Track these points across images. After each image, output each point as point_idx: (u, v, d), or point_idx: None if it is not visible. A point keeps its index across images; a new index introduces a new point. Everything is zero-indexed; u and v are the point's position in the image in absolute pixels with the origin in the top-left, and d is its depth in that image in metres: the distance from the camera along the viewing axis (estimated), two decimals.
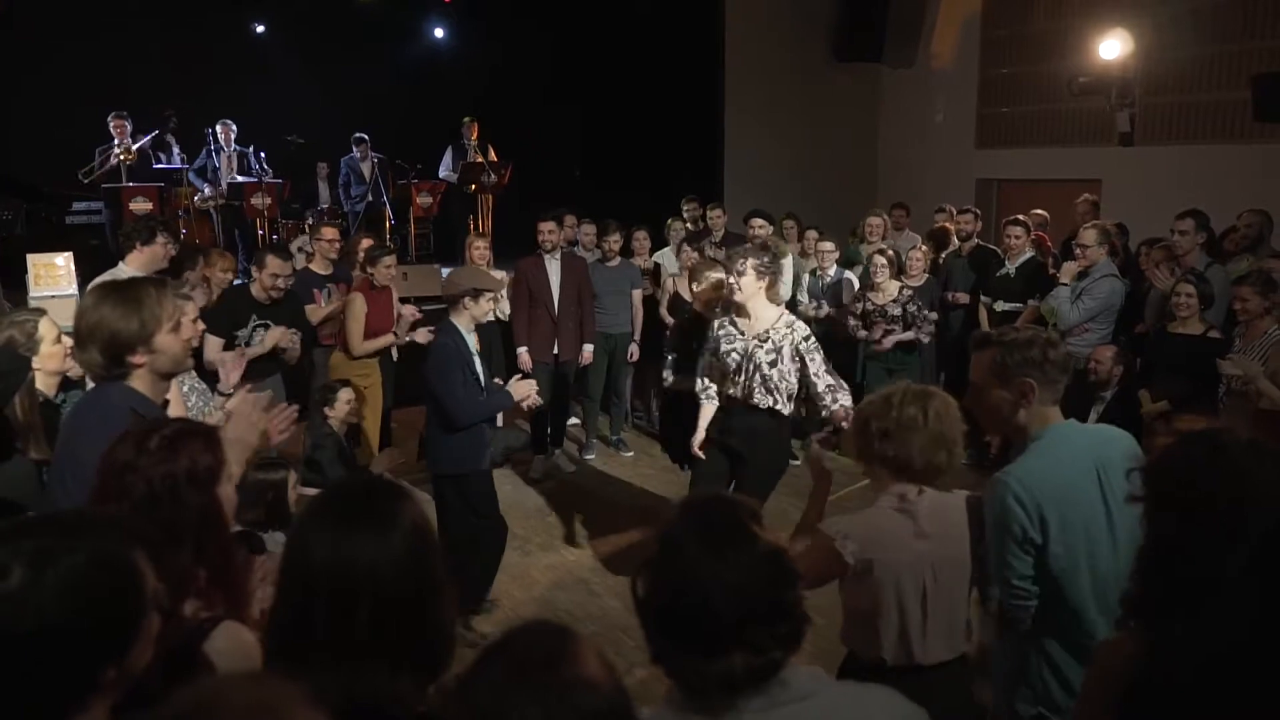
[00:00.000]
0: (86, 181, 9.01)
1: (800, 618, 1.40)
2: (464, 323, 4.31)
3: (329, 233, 6.43)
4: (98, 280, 4.44)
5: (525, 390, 4.39)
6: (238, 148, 9.90)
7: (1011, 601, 2.34)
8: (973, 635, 2.46)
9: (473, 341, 4.37)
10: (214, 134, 9.74)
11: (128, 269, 4.91)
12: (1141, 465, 1.60)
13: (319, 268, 6.18)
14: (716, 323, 4.49)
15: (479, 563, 4.48)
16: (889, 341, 6.43)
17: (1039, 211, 7.55)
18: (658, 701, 1.46)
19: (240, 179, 9.67)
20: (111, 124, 9.05)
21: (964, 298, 6.93)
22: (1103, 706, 1.46)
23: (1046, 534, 2.26)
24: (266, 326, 5.26)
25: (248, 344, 5.17)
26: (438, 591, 1.46)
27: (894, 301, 6.50)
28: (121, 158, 9.00)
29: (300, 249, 7.62)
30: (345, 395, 5.15)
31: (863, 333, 6.58)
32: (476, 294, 4.27)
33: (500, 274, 6.84)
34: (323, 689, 1.28)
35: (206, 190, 9.66)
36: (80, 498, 1.72)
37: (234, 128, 9.88)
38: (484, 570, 4.54)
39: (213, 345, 5.04)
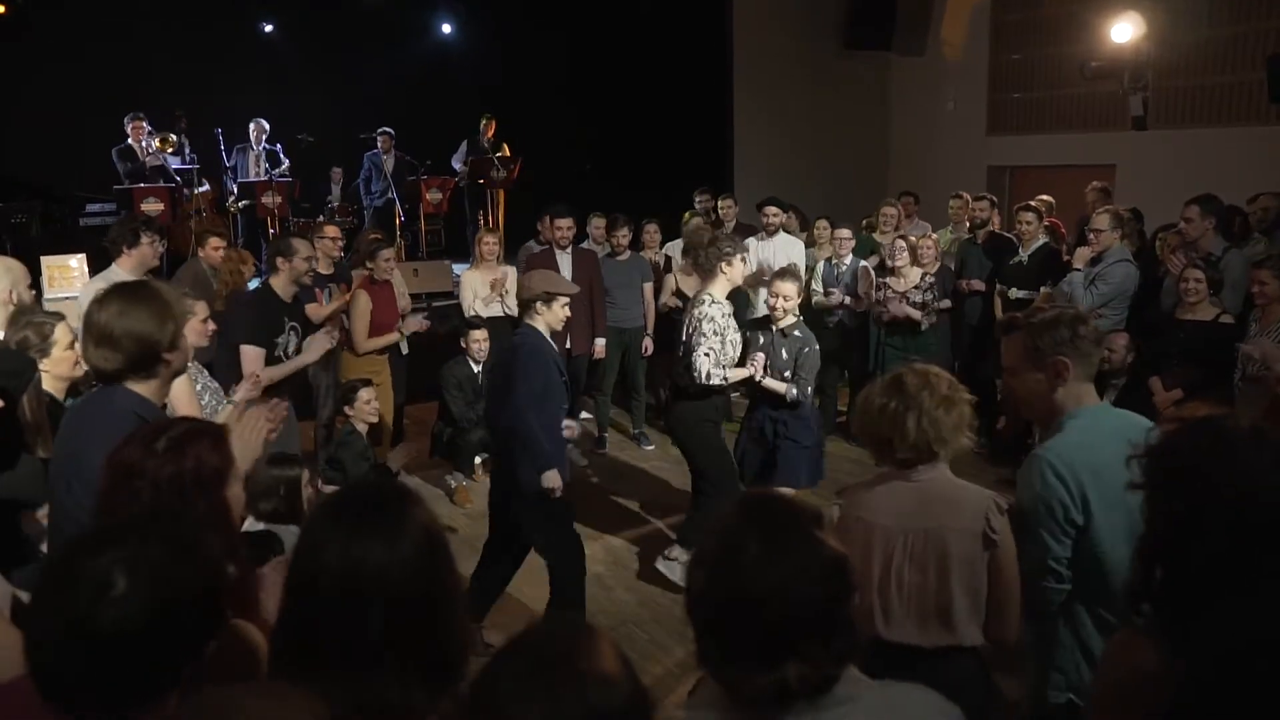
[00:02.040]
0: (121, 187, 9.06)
1: (855, 631, 1.37)
2: (540, 328, 4.13)
3: (331, 231, 6.40)
4: (97, 285, 4.36)
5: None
6: (266, 146, 9.94)
7: (1043, 584, 2.29)
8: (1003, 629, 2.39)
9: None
10: (220, 135, 9.76)
11: (120, 272, 4.78)
12: (1141, 453, 1.55)
13: (321, 267, 5.99)
14: None
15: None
16: (895, 309, 6.45)
17: (1044, 197, 7.48)
18: (673, 696, 1.44)
19: (266, 177, 9.71)
20: (129, 126, 9.09)
21: (979, 285, 6.89)
22: (1117, 714, 1.42)
23: (1089, 512, 2.23)
24: (297, 330, 4.91)
25: (286, 353, 4.76)
26: (449, 598, 1.44)
27: (915, 288, 6.49)
28: (158, 146, 9.08)
29: None
30: (366, 394, 5.16)
31: (879, 308, 6.62)
32: (549, 298, 4.09)
33: (506, 269, 6.85)
34: (329, 698, 1.26)
35: (236, 190, 9.73)
36: (86, 503, 1.72)
37: (266, 126, 9.90)
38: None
39: (252, 357, 4.54)
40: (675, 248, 7.68)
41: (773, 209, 7.00)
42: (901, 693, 1.44)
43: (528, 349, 4.09)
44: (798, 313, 4.88)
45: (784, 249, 6.92)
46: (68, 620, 1.23)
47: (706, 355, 4.63)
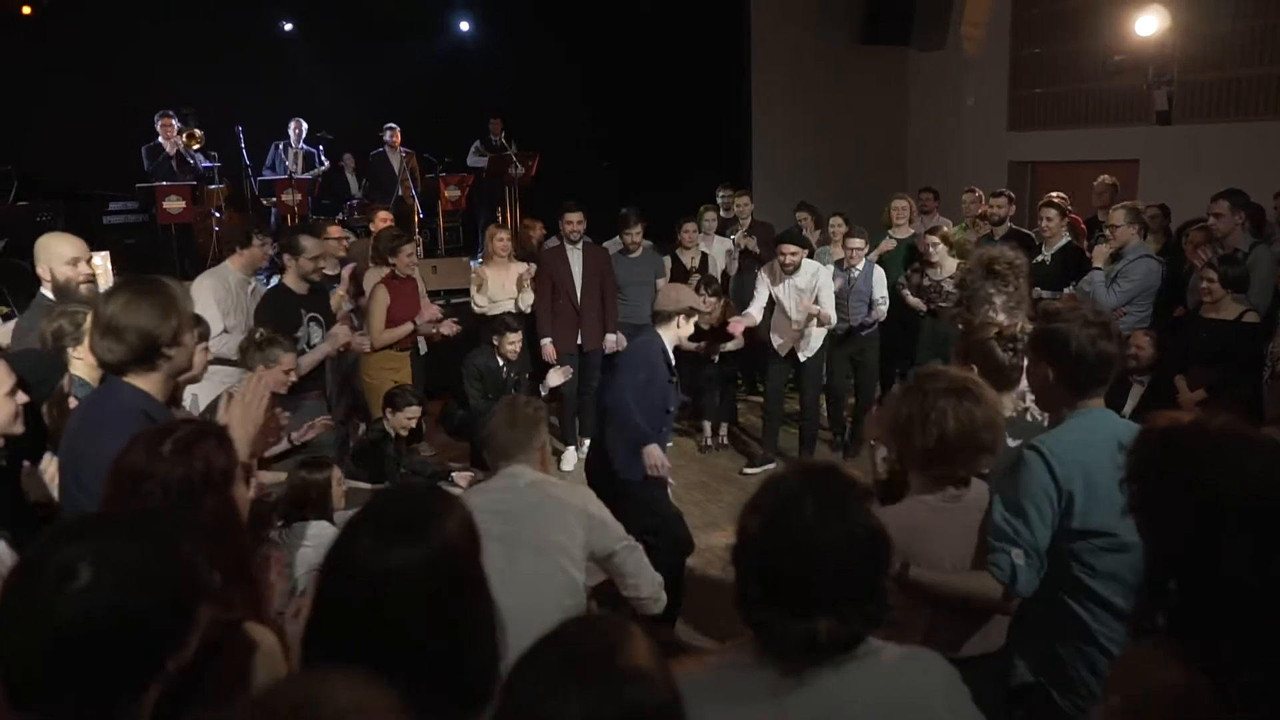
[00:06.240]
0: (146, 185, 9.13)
1: (886, 603, 1.45)
2: (669, 336, 4.32)
3: (335, 231, 6.40)
4: (205, 280, 4.90)
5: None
6: (305, 146, 9.99)
7: (1005, 562, 2.23)
8: None
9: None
10: (241, 132, 9.83)
11: (230, 269, 5.06)
12: (1131, 473, 1.51)
13: (328, 268, 5.79)
14: None
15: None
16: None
17: (1059, 194, 7.36)
18: None
19: (306, 176, 9.79)
20: (158, 123, 9.16)
21: None
22: None
23: (1071, 508, 2.25)
24: (318, 321, 4.92)
25: (309, 344, 4.79)
26: (481, 612, 1.40)
27: (950, 278, 6.44)
28: (185, 143, 9.15)
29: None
30: (412, 411, 5.16)
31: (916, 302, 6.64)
32: (691, 314, 4.30)
33: (523, 266, 6.83)
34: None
35: (257, 188, 9.80)
36: (89, 501, 1.71)
37: (304, 125, 9.98)
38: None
39: None
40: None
41: (790, 248, 6.19)
42: (911, 653, 1.55)
43: (641, 344, 4.37)
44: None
45: (808, 281, 6.27)
46: (28, 608, 1.20)
47: None
